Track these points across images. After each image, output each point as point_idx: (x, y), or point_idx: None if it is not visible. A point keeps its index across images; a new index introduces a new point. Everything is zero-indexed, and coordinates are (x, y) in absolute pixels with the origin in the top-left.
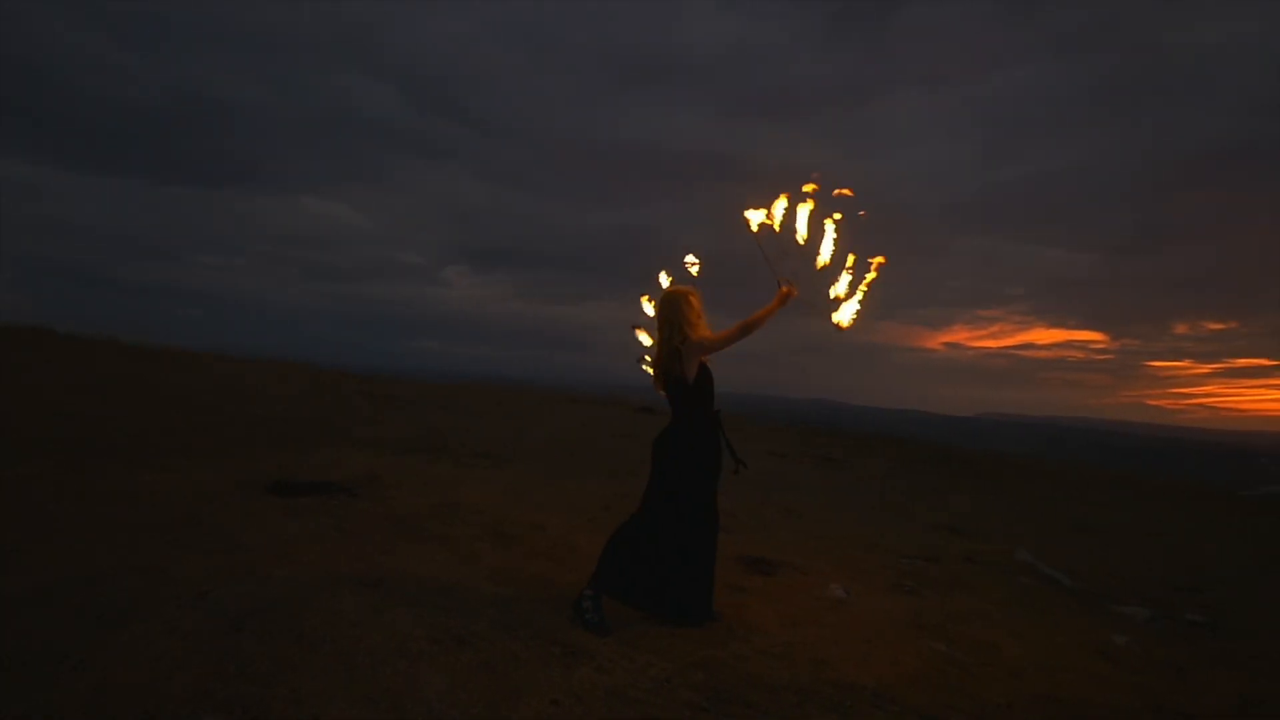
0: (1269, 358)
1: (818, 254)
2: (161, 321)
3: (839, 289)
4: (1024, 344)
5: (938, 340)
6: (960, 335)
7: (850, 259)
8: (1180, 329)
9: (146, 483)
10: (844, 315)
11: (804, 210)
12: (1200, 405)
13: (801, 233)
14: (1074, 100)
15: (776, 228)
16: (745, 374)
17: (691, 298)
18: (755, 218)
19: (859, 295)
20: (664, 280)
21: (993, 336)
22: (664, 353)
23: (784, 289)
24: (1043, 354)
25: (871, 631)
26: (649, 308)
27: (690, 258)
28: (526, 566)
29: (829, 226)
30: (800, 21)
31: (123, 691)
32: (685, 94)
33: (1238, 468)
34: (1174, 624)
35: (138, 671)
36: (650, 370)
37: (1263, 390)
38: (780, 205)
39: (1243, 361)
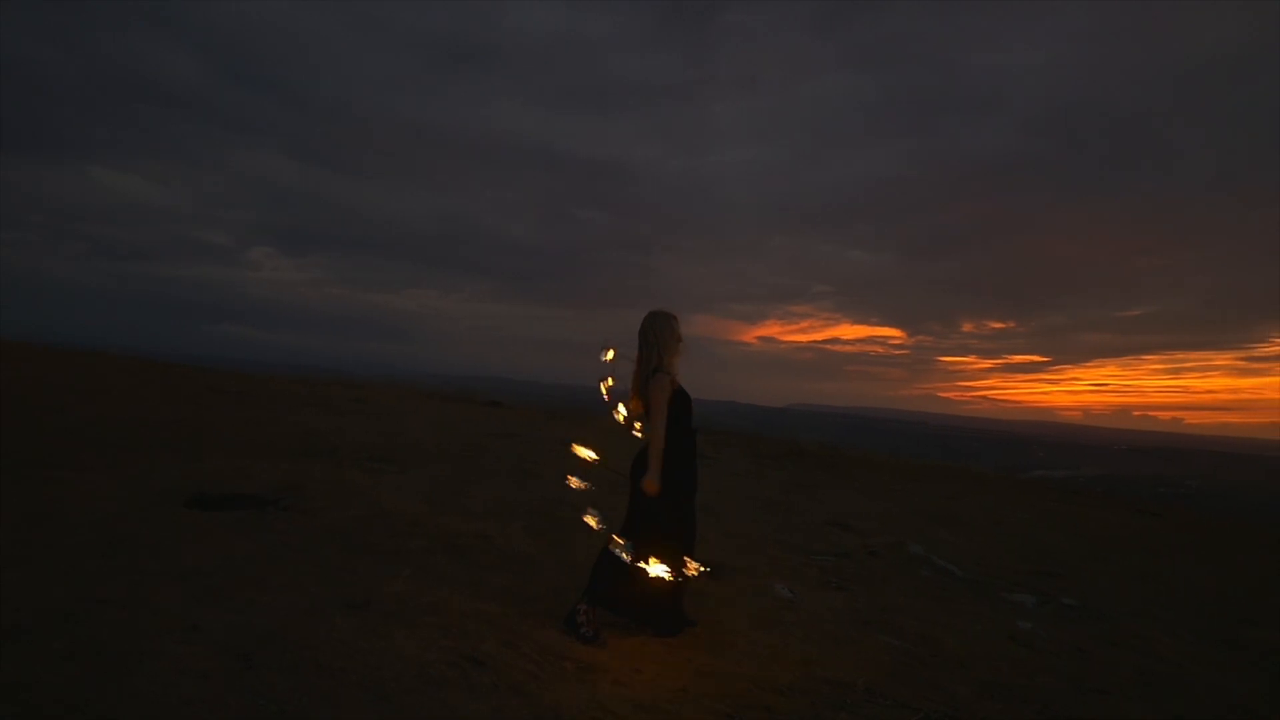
0: (1040, 354)
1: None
2: None
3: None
4: (831, 339)
5: (752, 334)
6: (773, 329)
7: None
8: (967, 327)
9: (51, 498)
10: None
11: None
12: (983, 397)
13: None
14: (877, 110)
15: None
16: (561, 366)
17: (670, 323)
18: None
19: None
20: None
21: (802, 331)
22: (642, 373)
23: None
24: (847, 348)
25: (830, 629)
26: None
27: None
28: (490, 579)
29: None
30: (627, 16)
31: None
32: (509, 81)
33: (1015, 454)
34: (1054, 608)
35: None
36: (604, 390)
37: (1035, 384)
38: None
39: (1019, 358)
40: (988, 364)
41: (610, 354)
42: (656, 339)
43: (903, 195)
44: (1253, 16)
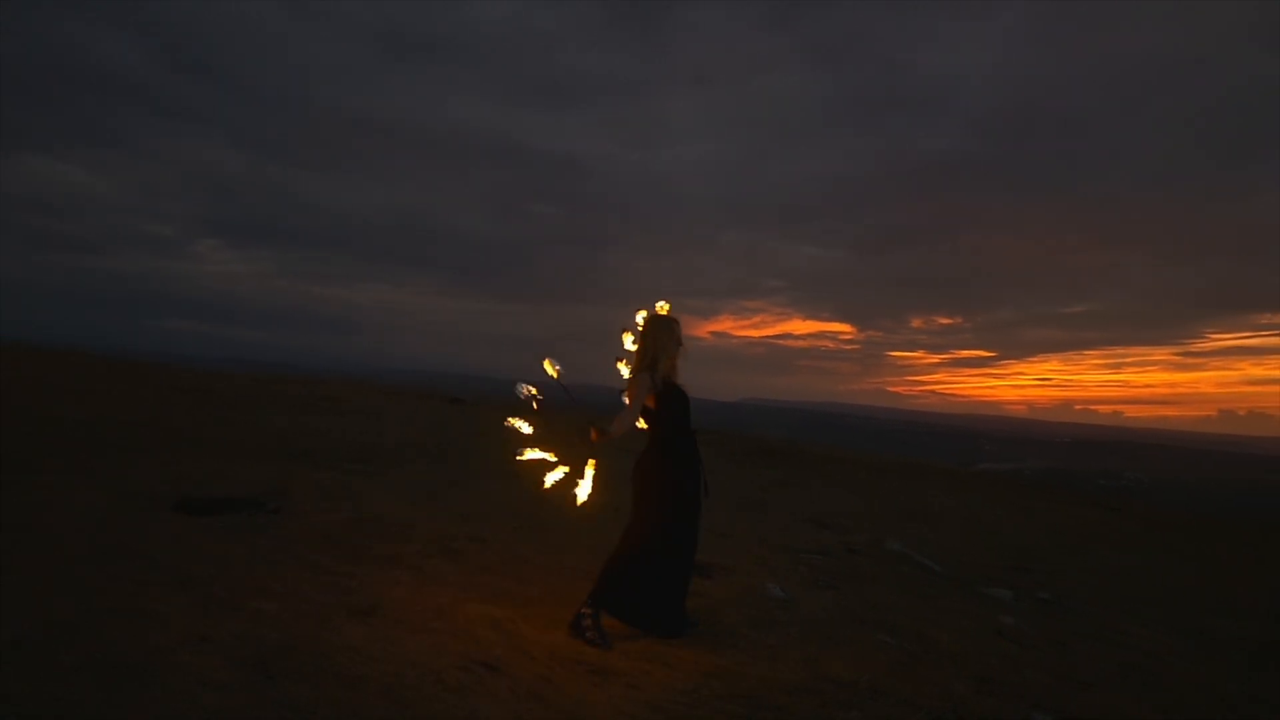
0: (987, 349)
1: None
2: None
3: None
4: (783, 334)
5: (705, 329)
6: (726, 324)
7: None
8: (916, 323)
9: (32, 505)
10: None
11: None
12: (931, 391)
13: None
14: (829, 107)
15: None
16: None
17: (669, 324)
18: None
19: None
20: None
21: (755, 326)
22: (633, 370)
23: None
24: (799, 343)
25: (826, 628)
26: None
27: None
28: (489, 582)
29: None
30: (580, 9)
31: None
32: (462, 73)
33: (963, 447)
34: (1031, 603)
35: None
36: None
37: (982, 378)
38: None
39: (966, 353)
40: (936, 359)
41: (554, 371)
42: (654, 341)
43: (854, 192)
44: (1189, 22)
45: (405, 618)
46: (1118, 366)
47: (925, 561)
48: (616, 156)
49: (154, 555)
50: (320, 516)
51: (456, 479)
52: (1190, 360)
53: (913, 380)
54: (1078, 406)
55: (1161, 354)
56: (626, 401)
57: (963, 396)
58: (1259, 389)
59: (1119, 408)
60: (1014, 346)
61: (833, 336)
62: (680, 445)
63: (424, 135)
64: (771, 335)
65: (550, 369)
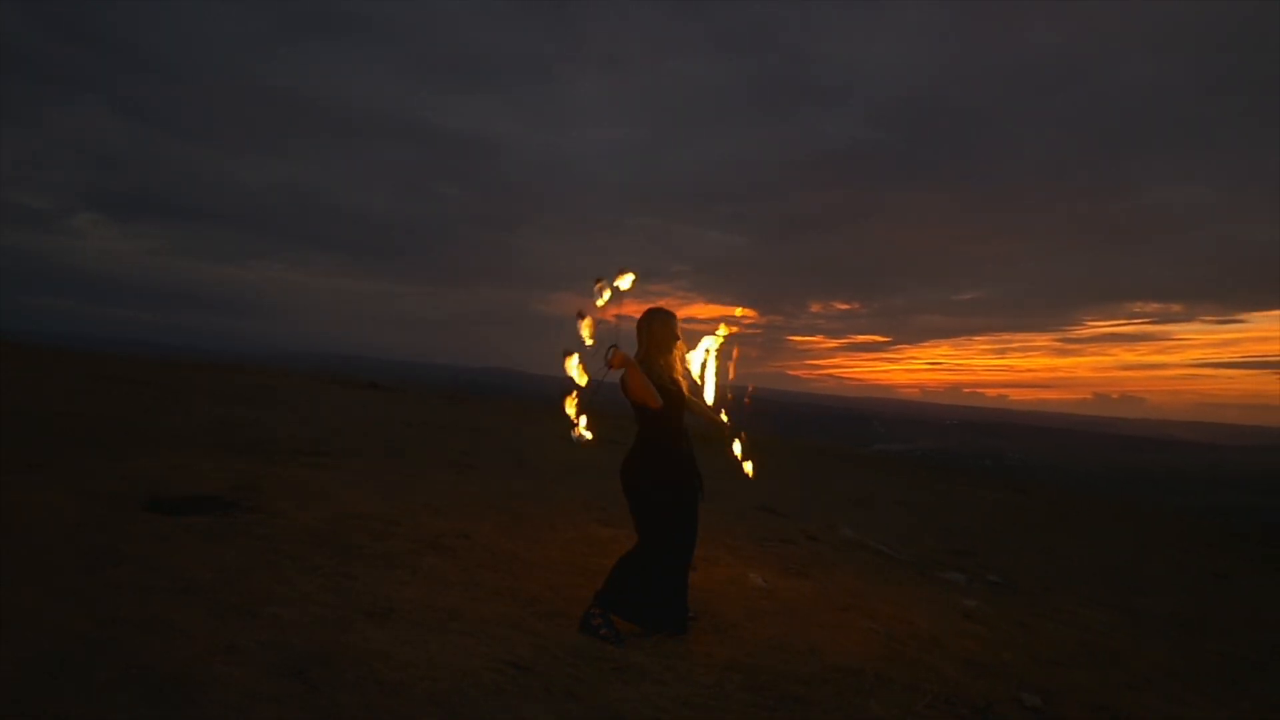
0: (882, 334)
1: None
2: None
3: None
4: (687, 318)
5: (611, 312)
6: (631, 308)
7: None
8: (815, 308)
9: (1, 507)
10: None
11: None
12: (829, 375)
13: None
14: (736, 94)
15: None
16: (424, 343)
17: (668, 321)
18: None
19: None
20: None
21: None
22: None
23: (617, 359)
24: (704, 327)
25: (814, 616)
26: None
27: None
28: (488, 580)
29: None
30: None
31: None
32: (366, 49)
33: (858, 429)
34: (983, 585)
35: None
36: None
37: (877, 362)
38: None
39: (862, 338)
40: (834, 343)
41: (603, 293)
42: (649, 336)
43: (758, 179)
44: (1078, 23)
45: (422, 619)
46: (1003, 352)
47: (881, 547)
48: (524, 137)
49: (145, 559)
50: (302, 514)
51: (414, 471)
52: (1070, 346)
53: (812, 364)
54: (966, 389)
55: (1044, 340)
56: (630, 388)
57: (859, 380)
58: (1131, 374)
59: (1004, 391)
60: (908, 332)
61: (736, 321)
62: (669, 445)
63: (324, 110)
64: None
65: (573, 371)
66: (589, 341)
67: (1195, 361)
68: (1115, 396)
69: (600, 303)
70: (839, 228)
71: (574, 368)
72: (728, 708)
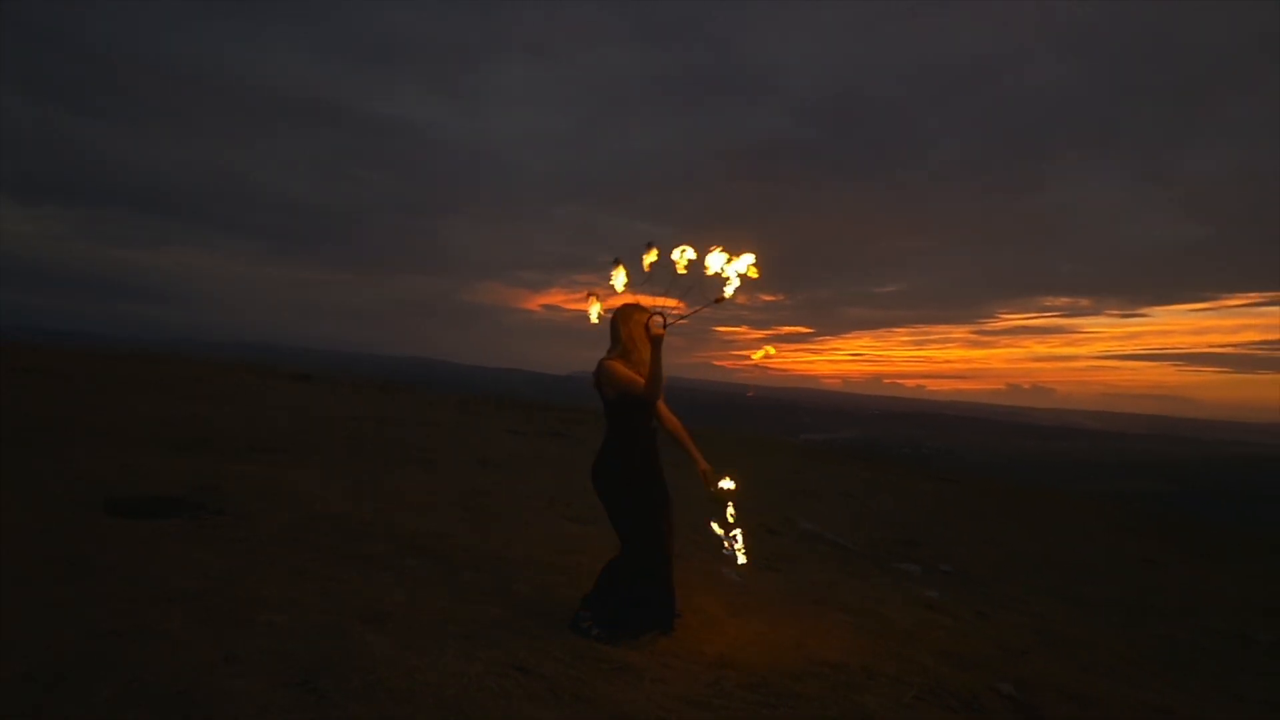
0: (806, 326)
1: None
2: None
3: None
4: (615, 308)
5: (537, 302)
6: (558, 298)
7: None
8: (741, 299)
9: None
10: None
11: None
12: (755, 365)
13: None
14: (664, 86)
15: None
16: (349, 332)
17: (643, 317)
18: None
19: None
20: (618, 274)
21: (586, 301)
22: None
23: (651, 327)
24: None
25: (791, 610)
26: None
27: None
28: (473, 580)
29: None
30: None
31: None
32: (278, 27)
33: (783, 419)
34: (938, 576)
35: None
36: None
37: (801, 353)
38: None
39: (787, 329)
40: (759, 334)
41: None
42: (625, 331)
43: (684, 170)
44: (994, 23)
45: (416, 623)
46: (922, 343)
47: (838, 539)
48: (448, 123)
49: (120, 567)
50: (272, 516)
51: (378, 469)
52: (984, 338)
53: (737, 354)
54: (886, 380)
55: (960, 332)
56: (618, 378)
57: (784, 370)
58: (1042, 365)
59: (923, 381)
60: (831, 323)
61: (662, 311)
62: (642, 444)
63: (242, 91)
64: (604, 310)
65: (618, 282)
66: (595, 320)
67: (1101, 354)
68: (1027, 387)
69: (618, 282)
70: (764, 220)
71: (619, 278)
72: (730, 705)
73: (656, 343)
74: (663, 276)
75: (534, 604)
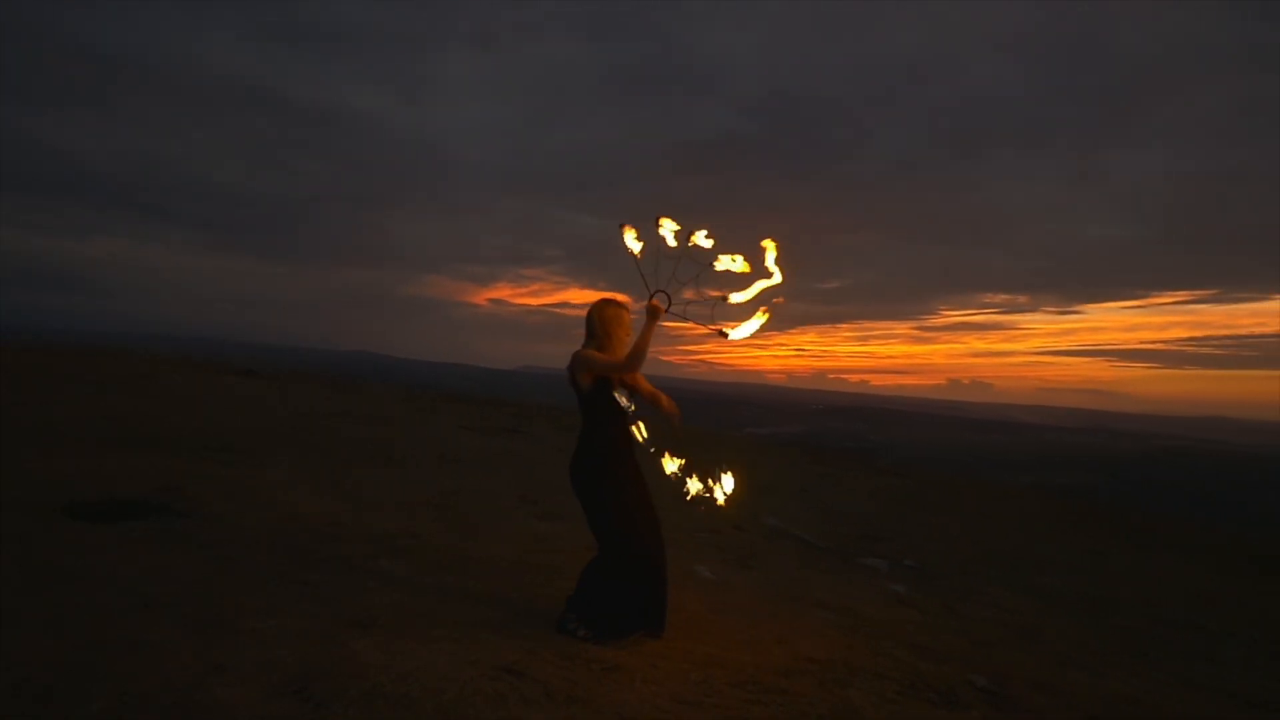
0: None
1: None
2: None
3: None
4: (561, 302)
5: (483, 296)
6: (504, 292)
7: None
8: (688, 295)
9: None
10: (739, 332)
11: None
12: (701, 360)
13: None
14: (608, 79)
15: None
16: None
17: (619, 312)
18: (634, 244)
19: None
20: (629, 235)
21: (533, 294)
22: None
23: (653, 302)
24: (578, 312)
25: (770, 608)
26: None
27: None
28: (453, 581)
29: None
30: None
31: None
32: (217, 10)
33: (727, 414)
34: (902, 570)
35: None
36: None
37: (747, 348)
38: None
39: (732, 324)
40: (705, 329)
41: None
42: (601, 326)
43: (630, 164)
44: (935, 24)
45: (403, 627)
46: (865, 339)
47: (804, 536)
48: (389, 113)
49: (91, 574)
50: (240, 518)
51: (343, 468)
52: (926, 334)
53: (685, 350)
54: (830, 375)
55: (903, 328)
56: (595, 360)
57: (730, 366)
58: (981, 360)
59: (866, 377)
60: (776, 319)
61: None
62: (617, 441)
63: (172, 76)
64: (550, 303)
65: (630, 242)
66: (635, 251)
67: (1038, 349)
68: (966, 382)
69: (634, 246)
70: (710, 215)
71: (631, 239)
72: (720, 704)
73: (653, 315)
74: (666, 266)
75: (519, 605)
